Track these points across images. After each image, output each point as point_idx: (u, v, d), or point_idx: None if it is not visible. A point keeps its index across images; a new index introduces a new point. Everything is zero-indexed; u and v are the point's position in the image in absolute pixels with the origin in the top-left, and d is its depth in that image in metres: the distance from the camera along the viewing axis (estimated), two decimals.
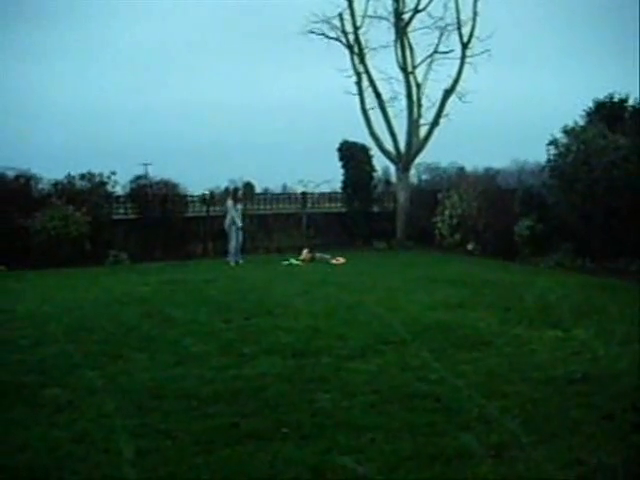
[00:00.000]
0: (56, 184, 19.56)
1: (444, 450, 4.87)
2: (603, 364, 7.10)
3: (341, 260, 18.17)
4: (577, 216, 15.78)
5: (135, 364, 7.40)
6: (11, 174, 19.00)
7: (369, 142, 23.38)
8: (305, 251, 19.04)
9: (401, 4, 22.76)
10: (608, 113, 17.69)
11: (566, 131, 17.02)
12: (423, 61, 23.15)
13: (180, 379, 6.81)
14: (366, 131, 23.33)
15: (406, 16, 22.81)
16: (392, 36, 22.95)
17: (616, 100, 18.11)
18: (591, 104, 18.38)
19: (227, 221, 18.60)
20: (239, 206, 18.92)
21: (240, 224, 18.64)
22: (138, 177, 21.02)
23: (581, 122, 17.79)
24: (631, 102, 18.03)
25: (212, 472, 4.61)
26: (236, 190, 20.07)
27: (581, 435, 5.11)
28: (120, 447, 5.04)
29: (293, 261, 18.30)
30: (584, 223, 15.61)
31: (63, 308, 10.88)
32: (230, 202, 18.73)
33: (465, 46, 22.64)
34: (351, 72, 23.20)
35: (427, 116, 23.09)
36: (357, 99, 23.23)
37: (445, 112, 22.95)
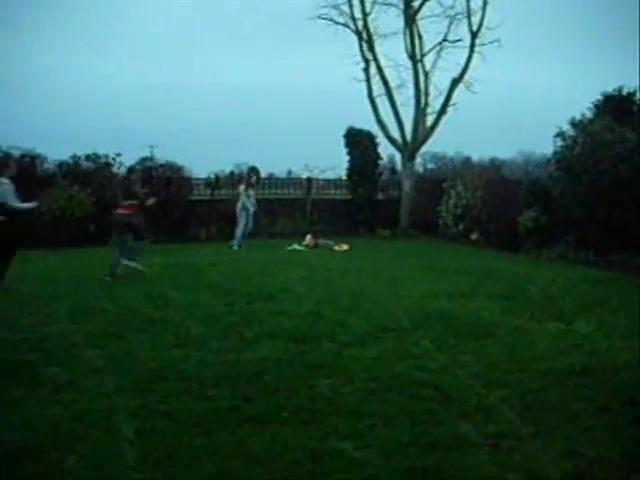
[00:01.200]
0: (61, 164, 19.60)
1: (442, 438, 4.89)
2: (603, 357, 7.10)
3: (344, 247, 18.19)
4: (582, 209, 15.75)
5: (136, 345, 7.42)
6: (16, 153, 19.00)
7: (375, 129, 23.41)
8: (309, 237, 19.06)
9: None
10: (616, 106, 17.62)
11: (573, 123, 16.96)
12: (432, 49, 23.14)
13: (181, 361, 6.83)
14: (373, 118, 23.33)
15: (416, 4, 22.77)
16: (401, 23, 22.94)
17: (624, 94, 18.04)
18: (599, 96, 18.32)
19: (239, 205, 18.59)
20: (252, 192, 18.90)
21: (252, 209, 18.63)
22: (143, 159, 21.03)
23: (589, 115, 17.73)
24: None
25: (211, 454, 4.63)
26: (249, 175, 20.07)
27: (579, 427, 5.13)
28: (120, 427, 5.07)
29: (297, 246, 18.32)
30: (588, 216, 15.58)
31: (66, 288, 10.92)
32: (242, 187, 18.71)
33: (474, 35, 22.58)
34: (359, 59, 23.17)
35: (434, 105, 23.12)
36: (364, 86, 23.21)
37: (452, 101, 22.97)
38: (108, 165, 19.99)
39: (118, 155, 20.13)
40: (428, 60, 23.14)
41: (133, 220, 12.29)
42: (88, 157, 19.83)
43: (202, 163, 30.00)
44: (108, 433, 4.98)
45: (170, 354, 7.10)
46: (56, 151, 20.24)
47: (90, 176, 19.27)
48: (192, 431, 5.02)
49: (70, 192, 18.12)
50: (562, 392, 5.96)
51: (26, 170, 18.76)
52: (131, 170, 17.98)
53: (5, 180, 10.79)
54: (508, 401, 5.67)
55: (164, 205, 19.98)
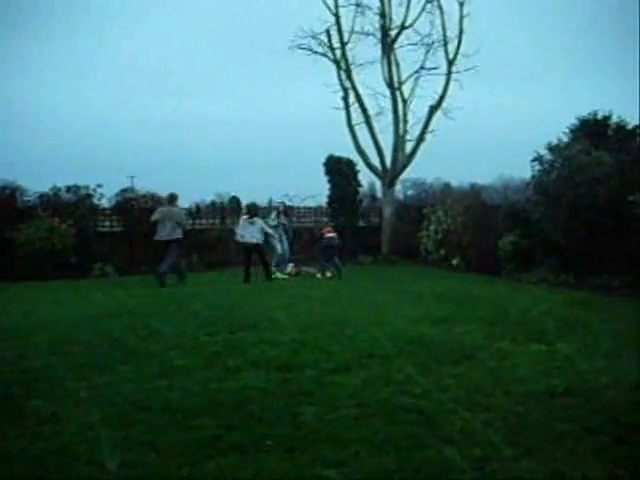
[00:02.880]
0: (42, 196, 19.58)
1: (427, 463, 4.89)
2: (585, 378, 7.15)
3: (328, 274, 18.24)
4: (561, 232, 15.90)
5: (120, 376, 7.38)
6: None
7: (355, 157, 23.57)
8: (291, 265, 19.07)
9: (388, 21, 23.00)
10: (591, 130, 17.89)
11: (550, 148, 17.19)
12: (409, 77, 23.41)
13: (165, 392, 6.79)
14: (352, 146, 23.48)
15: (393, 32, 23.05)
16: (379, 52, 23.19)
17: (600, 117, 18.32)
18: (575, 121, 18.59)
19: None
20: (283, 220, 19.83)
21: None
22: (124, 190, 21.05)
23: (565, 139, 17.98)
24: (614, 119, 18.24)
25: None
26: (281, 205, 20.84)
27: (563, 448, 5.15)
28: (104, 459, 5.03)
29: (279, 275, 18.31)
30: (568, 239, 15.73)
31: (48, 320, 10.84)
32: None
33: (451, 63, 22.89)
34: (338, 87, 23.38)
35: (413, 132, 23.35)
36: (344, 114, 23.39)
37: (431, 128, 23.21)
38: (89, 196, 19.97)
39: (99, 186, 20.15)
40: (406, 88, 23.45)
41: None
42: (69, 189, 19.81)
43: (183, 193, 30.02)
44: (92, 466, 4.94)
45: (154, 384, 7.06)
46: (36, 183, 20.25)
47: (71, 208, 19.23)
48: (177, 462, 4.99)
49: (51, 224, 18.05)
50: (545, 414, 5.98)
51: (6, 202, 18.74)
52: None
53: None
54: (492, 424, 5.69)
55: (145, 235, 19.98)
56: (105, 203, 20.73)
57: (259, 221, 17.76)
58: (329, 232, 18.41)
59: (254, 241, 17.17)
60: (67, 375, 7.44)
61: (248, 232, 17.25)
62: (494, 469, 4.79)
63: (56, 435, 5.55)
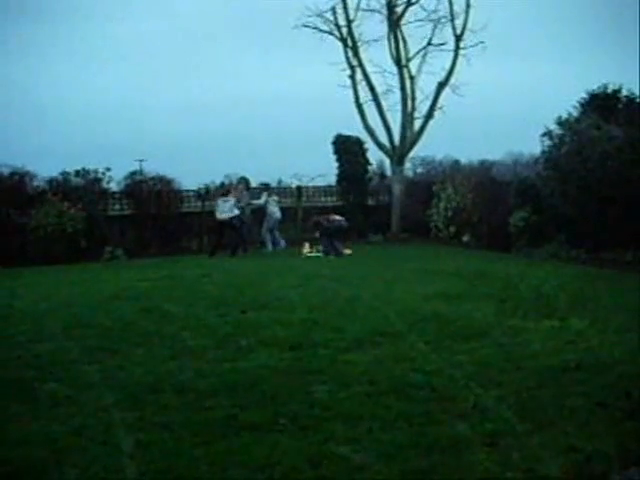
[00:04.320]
0: (51, 181, 19.58)
1: (440, 439, 4.91)
2: (597, 353, 7.15)
3: (348, 251, 18.22)
4: (572, 207, 15.82)
5: (133, 359, 7.43)
6: (6, 171, 18.98)
7: (363, 135, 23.40)
8: (306, 245, 19.06)
9: None
10: (602, 104, 17.72)
11: (560, 122, 17.05)
12: (417, 54, 23.15)
13: (177, 373, 6.84)
14: (360, 124, 23.35)
15: (399, 9, 22.80)
16: (385, 29, 22.96)
17: (610, 91, 18.15)
18: (585, 95, 18.43)
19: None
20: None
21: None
22: (133, 173, 21.05)
23: (575, 113, 17.83)
24: (624, 93, 18.08)
25: (210, 463, 4.64)
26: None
27: (575, 423, 5.16)
28: (118, 440, 5.08)
29: (311, 254, 18.41)
30: (578, 214, 15.65)
31: (60, 304, 10.90)
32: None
33: (458, 38, 22.63)
34: (345, 65, 23.22)
35: (421, 109, 23.10)
36: (351, 92, 23.26)
37: (439, 105, 22.96)
38: (98, 180, 19.98)
39: (108, 170, 20.13)
40: (413, 65, 23.20)
41: None
42: (78, 173, 19.81)
43: (192, 175, 30.06)
44: (107, 446, 4.99)
45: (166, 366, 7.11)
46: (46, 168, 20.26)
47: (80, 192, 19.26)
48: (190, 441, 5.03)
49: (61, 208, 18.09)
50: (558, 389, 5.99)
51: (16, 188, 18.78)
52: None
53: None
54: (504, 400, 5.70)
55: (155, 218, 20.03)
56: (114, 187, 20.74)
57: (231, 200, 19.13)
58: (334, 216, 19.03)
59: (225, 216, 18.79)
60: (80, 358, 7.50)
61: (220, 209, 19.04)
62: (507, 444, 4.80)
63: (71, 417, 5.61)
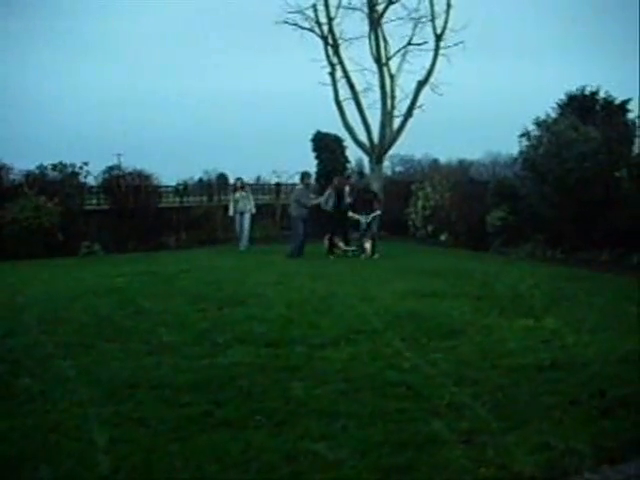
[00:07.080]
0: (28, 174, 19.39)
1: (415, 436, 4.93)
2: (572, 352, 7.21)
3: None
4: (548, 207, 15.95)
5: (108, 354, 7.38)
6: None
7: (343, 133, 23.45)
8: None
9: None
10: (579, 105, 17.91)
11: (538, 123, 17.20)
12: (397, 52, 23.22)
13: (154, 368, 6.80)
14: (340, 122, 23.36)
15: (380, 7, 22.86)
16: (366, 27, 22.99)
17: (587, 93, 18.32)
18: (563, 96, 18.59)
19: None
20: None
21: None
22: (111, 167, 20.90)
23: (553, 114, 17.99)
24: (602, 95, 18.26)
25: (186, 459, 4.63)
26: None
27: (550, 421, 5.20)
28: (94, 435, 5.04)
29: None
30: (555, 214, 15.78)
31: (35, 299, 10.81)
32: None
33: (439, 38, 22.72)
34: (325, 63, 23.22)
35: (401, 108, 23.19)
36: (331, 90, 23.26)
37: (419, 104, 23.05)
38: (75, 174, 19.82)
39: (85, 164, 19.99)
40: (394, 63, 23.27)
41: None
42: (55, 167, 19.65)
43: (170, 171, 29.96)
44: (82, 442, 4.95)
45: (142, 362, 7.07)
46: (22, 161, 20.06)
47: (57, 186, 19.10)
48: (166, 437, 5.01)
49: (37, 202, 17.93)
50: (532, 387, 6.04)
51: None
52: None
53: None
54: (479, 398, 5.73)
55: (133, 213, 19.91)
56: (92, 181, 20.60)
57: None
58: None
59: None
60: (55, 353, 7.43)
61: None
62: (482, 441, 4.83)
63: (45, 413, 5.56)
